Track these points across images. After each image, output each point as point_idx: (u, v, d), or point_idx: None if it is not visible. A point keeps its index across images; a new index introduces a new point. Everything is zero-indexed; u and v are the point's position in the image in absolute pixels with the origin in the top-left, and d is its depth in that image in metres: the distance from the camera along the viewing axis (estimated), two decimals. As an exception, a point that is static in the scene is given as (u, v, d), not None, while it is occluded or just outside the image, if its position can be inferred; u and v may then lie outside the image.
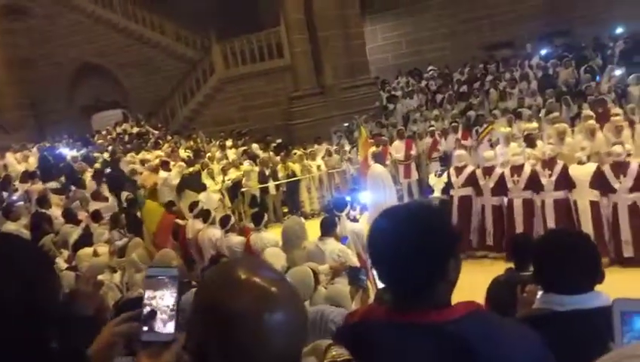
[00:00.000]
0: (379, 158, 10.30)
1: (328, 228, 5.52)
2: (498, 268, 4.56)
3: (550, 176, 7.20)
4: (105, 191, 10.63)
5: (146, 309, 1.09)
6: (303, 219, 7.38)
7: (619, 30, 16.09)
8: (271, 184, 11.78)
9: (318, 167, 12.22)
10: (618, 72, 12.59)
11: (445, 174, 8.72)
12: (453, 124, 11.86)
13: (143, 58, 18.99)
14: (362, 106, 15.86)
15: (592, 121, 8.97)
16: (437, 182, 8.98)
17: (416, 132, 12.44)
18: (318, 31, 16.13)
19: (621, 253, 6.70)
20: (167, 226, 7.69)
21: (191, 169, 11.70)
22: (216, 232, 7.57)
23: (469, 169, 8.20)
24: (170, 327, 1.08)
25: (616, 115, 9.17)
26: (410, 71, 18.60)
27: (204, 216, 8.09)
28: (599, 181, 6.88)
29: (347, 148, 12.76)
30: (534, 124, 9.97)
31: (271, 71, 16.68)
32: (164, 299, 1.10)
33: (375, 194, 8.69)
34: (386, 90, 17.44)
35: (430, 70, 17.97)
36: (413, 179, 11.47)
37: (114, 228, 7.91)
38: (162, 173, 11.29)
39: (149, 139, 15.68)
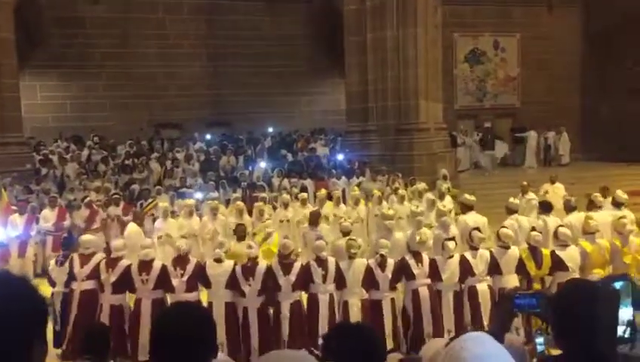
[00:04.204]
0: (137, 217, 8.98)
1: None
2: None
3: (182, 275, 6.43)
4: None
5: None
6: None
7: (270, 129, 19.34)
8: None
9: None
10: (263, 164, 14.61)
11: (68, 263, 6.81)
12: (114, 196, 11.38)
13: None
14: (9, 167, 13.76)
15: (247, 217, 9.51)
16: (59, 273, 6.75)
17: (71, 201, 11.41)
18: (-41, 74, 13.64)
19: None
20: None
21: None
22: None
23: (98, 258, 6.73)
24: None
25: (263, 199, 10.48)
26: (73, 136, 17.38)
27: None
28: (233, 281, 6.53)
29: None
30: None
31: None
32: None
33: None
34: (41, 152, 15.67)
35: (95, 138, 17.16)
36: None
37: None
38: None
39: None
